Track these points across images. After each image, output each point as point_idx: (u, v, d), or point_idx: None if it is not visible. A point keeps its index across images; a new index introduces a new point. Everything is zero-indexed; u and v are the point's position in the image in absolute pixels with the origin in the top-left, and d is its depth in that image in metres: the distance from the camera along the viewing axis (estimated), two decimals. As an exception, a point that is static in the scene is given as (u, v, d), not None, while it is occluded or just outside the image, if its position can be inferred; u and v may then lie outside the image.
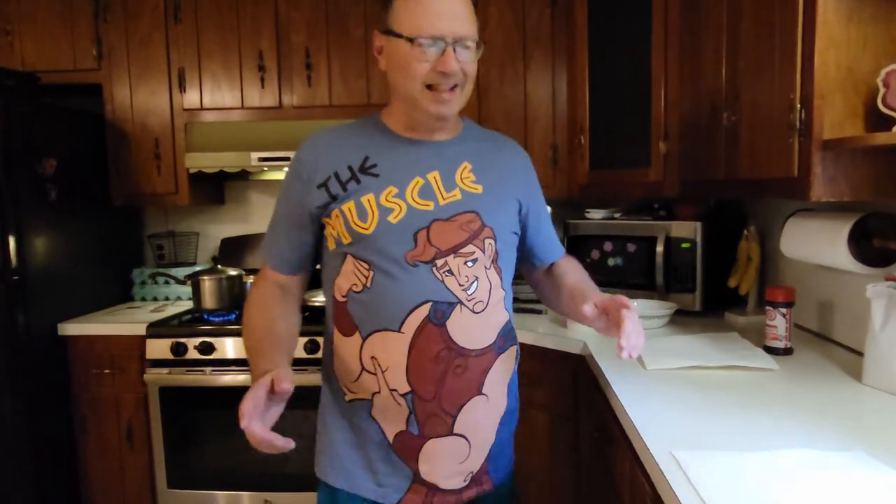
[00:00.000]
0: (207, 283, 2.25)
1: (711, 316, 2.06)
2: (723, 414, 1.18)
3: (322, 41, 2.42)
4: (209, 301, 2.25)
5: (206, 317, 2.25)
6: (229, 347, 2.16)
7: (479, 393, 1.17)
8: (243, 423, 0.91)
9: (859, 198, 1.20)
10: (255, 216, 2.88)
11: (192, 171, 2.40)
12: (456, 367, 1.13)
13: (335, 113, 2.43)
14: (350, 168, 1.14)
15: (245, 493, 2.18)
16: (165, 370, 2.14)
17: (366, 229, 1.11)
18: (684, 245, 2.09)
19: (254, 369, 1.05)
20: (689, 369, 1.46)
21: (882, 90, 1.11)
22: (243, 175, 2.73)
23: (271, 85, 2.44)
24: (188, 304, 2.51)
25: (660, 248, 2.11)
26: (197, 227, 2.86)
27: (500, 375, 1.20)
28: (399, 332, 1.11)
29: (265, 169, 2.43)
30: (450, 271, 1.13)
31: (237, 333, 2.15)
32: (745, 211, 2.26)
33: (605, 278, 2.25)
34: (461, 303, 1.13)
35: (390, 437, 1.15)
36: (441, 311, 1.12)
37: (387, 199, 1.13)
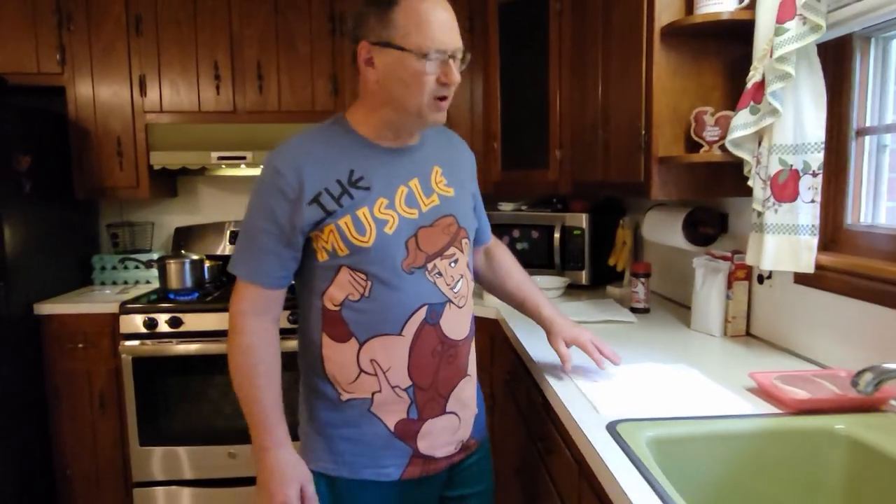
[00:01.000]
0: (173, 266, 2.56)
1: (596, 288, 2.60)
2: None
3: (272, 54, 2.76)
4: (174, 282, 2.57)
5: (171, 296, 2.56)
6: (193, 322, 2.48)
7: (466, 375, 1.30)
8: None
9: (683, 197, 1.73)
10: (204, 208, 3.18)
11: (156, 167, 2.69)
12: (448, 357, 1.24)
13: (283, 117, 2.78)
14: (340, 183, 1.15)
15: (211, 447, 2.52)
16: (138, 342, 2.44)
17: (365, 242, 1.15)
18: (576, 232, 2.60)
19: (263, 431, 1.17)
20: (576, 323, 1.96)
21: (693, 124, 1.63)
22: (197, 171, 3.03)
23: (226, 91, 2.75)
24: (148, 287, 2.81)
25: (557, 235, 2.62)
26: (151, 217, 3.13)
27: (473, 354, 1.34)
28: (400, 335, 1.18)
29: (223, 166, 2.75)
30: (439, 273, 1.21)
31: (200, 310, 2.47)
32: (623, 206, 2.82)
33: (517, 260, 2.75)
34: (450, 301, 1.23)
35: (391, 426, 1.22)
36: (435, 312, 1.21)
37: (380, 212, 1.17)
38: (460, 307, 1.26)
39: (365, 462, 1.23)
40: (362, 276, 1.16)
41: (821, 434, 1.15)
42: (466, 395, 1.31)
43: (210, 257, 2.84)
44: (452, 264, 1.24)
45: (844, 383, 1.23)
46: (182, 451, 2.51)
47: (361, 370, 1.19)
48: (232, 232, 3.06)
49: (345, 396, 1.21)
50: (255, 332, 1.19)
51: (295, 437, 1.24)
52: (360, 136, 1.20)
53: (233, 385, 1.20)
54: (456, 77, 1.13)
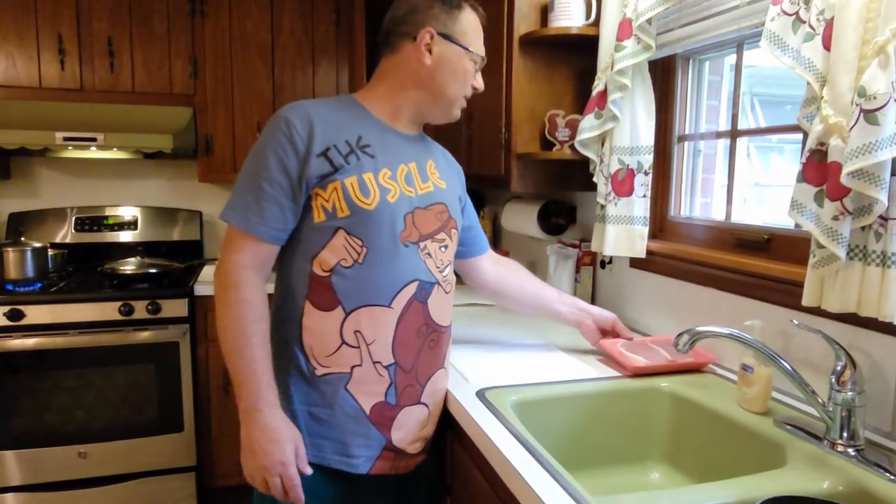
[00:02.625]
0: (12, 255, 2.35)
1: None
2: (466, 327, 1.83)
3: (124, 30, 2.61)
4: (14, 272, 2.36)
5: (9, 287, 2.35)
6: (37, 314, 2.30)
7: (442, 366, 1.30)
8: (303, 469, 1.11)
9: (538, 190, 1.93)
10: (44, 192, 2.92)
11: (-12, 146, 2.44)
12: (430, 341, 1.24)
13: (138, 98, 2.64)
14: (348, 143, 1.16)
15: (59, 448, 2.35)
16: (-30, 338, 2.22)
17: (368, 205, 1.14)
18: (440, 222, 2.74)
19: (255, 392, 1.10)
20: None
21: (547, 125, 1.82)
22: (38, 151, 2.78)
23: (72, 67, 2.56)
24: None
25: (422, 224, 2.75)
26: (-22, 201, 2.82)
27: (450, 348, 1.33)
28: (389, 307, 1.17)
29: (70, 147, 2.55)
30: (429, 254, 1.22)
31: (44, 301, 2.30)
32: (483, 197, 3.01)
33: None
34: (438, 283, 1.23)
35: (367, 409, 1.18)
36: (425, 290, 1.21)
37: (384, 180, 1.18)
38: (447, 292, 1.27)
39: (333, 446, 1.18)
40: (358, 241, 1.14)
41: (650, 391, 1.37)
42: (438, 388, 1.29)
43: (54, 245, 2.64)
44: (442, 249, 1.25)
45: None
46: (26, 455, 2.32)
47: (343, 342, 1.16)
48: (77, 219, 2.85)
49: (320, 371, 1.17)
50: (256, 286, 1.14)
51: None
52: (368, 112, 1.23)
53: (222, 342, 1.13)
54: (482, 85, 1.30)
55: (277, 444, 1.09)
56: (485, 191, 3.01)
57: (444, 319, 1.27)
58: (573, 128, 1.77)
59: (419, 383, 1.24)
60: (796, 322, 1.11)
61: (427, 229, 1.23)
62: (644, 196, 1.66)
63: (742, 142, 1.57)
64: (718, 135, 1.66)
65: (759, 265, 1.34)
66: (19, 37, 2.50)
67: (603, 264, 1.98)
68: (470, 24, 1.24)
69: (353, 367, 1.17)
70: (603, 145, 1.70)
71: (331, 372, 1.17)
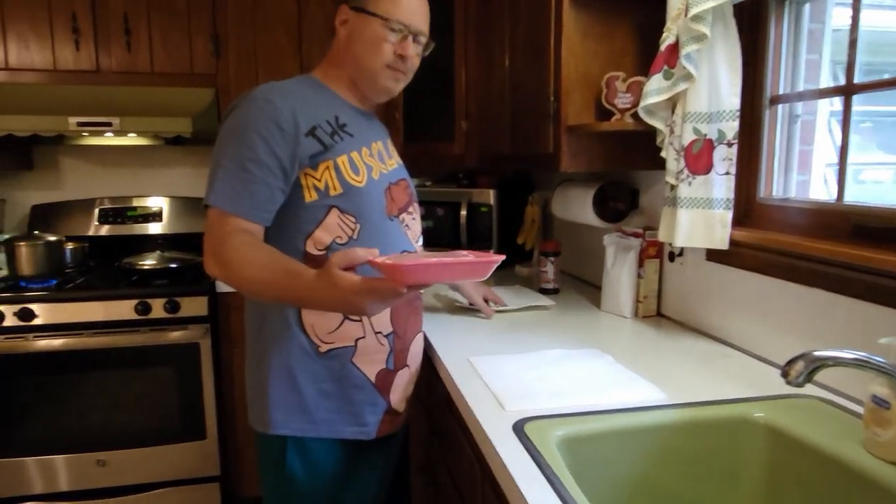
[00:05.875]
0: (24, 250, 2.20)
1: (504, 268, 2.47)
2: (505, 332, 1.55)
3: (142, 7, 2.42)
4: (26, 268, 2.21)
5: (23, 284, 2.21)
6: (51, 313, 2.15)
7: (421, 329, 1.38)
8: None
9: (593, 169, 1.62)
10: (67, 182, 2.79)
11: (0, 134, 2.30)
12: (414, 308, 1.33)
13: (157, 80, 2.46)
14: (329, 122, 1.19)
15: (77, 455, 2.21)
16: (-20, 339, 2.09)
17: (359, 182, 1.19)
18: (483, 209, 2.46)
19: (304, 279, 0.98)
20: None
21: (604, 90, 1.51)
22: (55, 139, 2.64)
23: (88, 48, 2.39)
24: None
25: (463, 213, 2.47)
26: (2, 193, 2.71)
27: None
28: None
29: (85, 134, 2.39)
30: (407, 226, 1.30)
31: (56, 299, 2.14)
32: (532, 181, 2.71)
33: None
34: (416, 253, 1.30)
35: (372, 377, 1.24)
36: None
37: (366, 158, 1.23)
38: None
39: (346, 419, 1.22)
40: (352, 218, 1.18)
41: (737, 423, 1.06)
42: (418, 349, 1.36)
43: (73, 238, 2.49)
44: (414, 220, 1.34)
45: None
46: (36, 462, 2.19)
47: (346, 317, 1.19)
48: (101, 210, 2.71)
49: (324, 348, 1.19)
50: (245, 237, 1.08)
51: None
52: (334, 93, 1.27)
53: (254, 290, 1.06)
54: (411, 52, 1.24)
55: (357, 297, 0.94)
56: (534, 174, 2.70)
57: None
58: (636, 92, 1.46)
59: (406, 347, 1.31)
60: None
61: (400, 203, 1.30)
62: (726, 173, 1.34)
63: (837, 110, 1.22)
64: (823, 93, 1.32)
65: (890, 260, 1.01)
66: (32, 18, 2.34)
67: (672, 257, 1.66)
68: None
69: (357, 340, 1.21)
70: (674, 112, 1.39)
71: (335, 347, 1.20)
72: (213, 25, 2.49)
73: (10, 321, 2.11)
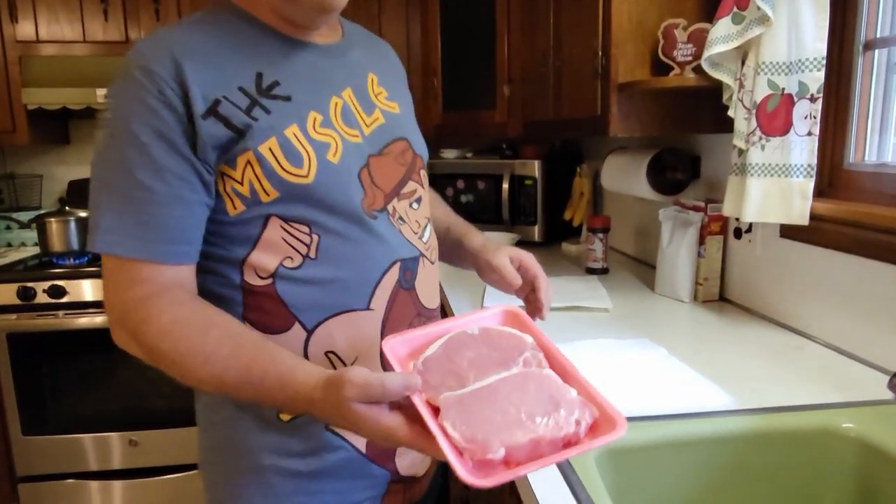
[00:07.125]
0: (55, 226, 2.17)
1: (550, 246, 2.30)
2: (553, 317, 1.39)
3: (170, -26, 2.33)
4: (57, 244, 2.18)
5: (54, 260, 2.17)
6: (84, 290, 2.11)
7: None
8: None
9: (647, 133, 1.42)
10: (106, 158, 2.75)
11: (30, 107, 2.26)
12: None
13: (188, 50, 2.37)
14: (243, 91, 0.77)
15: (108, 434, 2.18)
16: (13, 316, 2.07)
17: (303, 177, 0.77)
18: (527, 182, 2.29)
19: (294, 389, 0.68)
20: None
21: (661, 41, 1.31)
22: (90, 113, 2.60)
23: (116, 18, 2.32)
24: (35, 250, 2.41)
25: (506, 185, 2.30)
26: (40, 169, 2.69)
27: None
28: (368, 309, 0.82)
29: (113, 107, 2.33)
30: (402, 219, 0.87)
31: (89, 275, 2.10)
32: (580, 151, 2.50)
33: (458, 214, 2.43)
34: (422, 254, 0.89)
35: (362, 447, 0.86)
36: (410, 271, 0.87)
37: (316, 131, 0.80)
38: (432, 263, 0.92)
39: (320, 499, 0.85)
40: (304, 228, 0.78)
41: (821, 435, 0.87)
42: None
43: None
44: (415, 205, 0.90)
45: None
46: (72, 441, 2.17)
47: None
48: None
49: (287, 416, 0.82)
50: (175, 302, 0.74)
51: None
52: (260, 22, 0.81)
53: (200, 385, 0.73)
54: None
55: (365, 424, 0.64)
56: (584, 144, 2.50)
57: (434, 299, 0.93)
58: (699, 42, 1.26)
59: None
60: None
61: (390, 184, 0.86)
62: (808, 134, 1.13)
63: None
64: (934, 36, 1.08)
65: None
66: (60, -12, 2.28)
67: (739, 233, 1.45)
68: None
69: None
70: (744, 63, 1.18)
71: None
72: (243, -10, 2.37)
73: (40, 298, 2.08)
